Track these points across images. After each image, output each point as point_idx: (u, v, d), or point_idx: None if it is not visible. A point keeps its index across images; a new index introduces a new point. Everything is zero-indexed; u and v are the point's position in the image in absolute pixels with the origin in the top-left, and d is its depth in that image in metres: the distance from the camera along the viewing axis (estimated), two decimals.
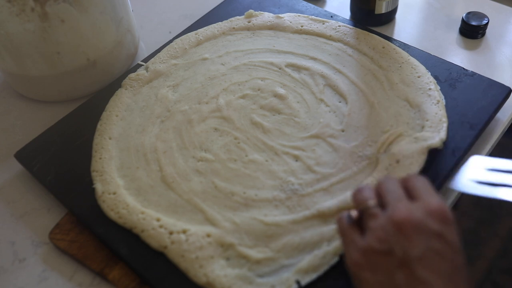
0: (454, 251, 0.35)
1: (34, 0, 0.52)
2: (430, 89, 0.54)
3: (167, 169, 0.51)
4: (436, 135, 0.49)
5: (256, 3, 0.69)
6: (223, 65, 0.60)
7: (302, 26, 0.63)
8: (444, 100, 0.53)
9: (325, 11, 0.67)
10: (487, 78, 0.56)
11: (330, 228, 0.44)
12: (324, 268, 0.42)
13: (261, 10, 0.67)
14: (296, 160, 0.50)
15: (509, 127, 0.58)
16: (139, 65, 0.62)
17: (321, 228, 0.45)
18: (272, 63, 0.60)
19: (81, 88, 0.62)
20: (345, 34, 0.62)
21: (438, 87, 0.54)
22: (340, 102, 0.55)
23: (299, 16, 0.65)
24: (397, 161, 0.48)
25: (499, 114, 0.55)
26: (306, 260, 0.43)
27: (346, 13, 0.70)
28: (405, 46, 0.60)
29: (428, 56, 0.59)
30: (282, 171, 0.49)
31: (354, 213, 0.40)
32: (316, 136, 0.52)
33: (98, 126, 0.56)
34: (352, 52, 0.60)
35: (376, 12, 0.66)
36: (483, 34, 0.66)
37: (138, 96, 0.59)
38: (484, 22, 0.64)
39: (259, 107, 0.55)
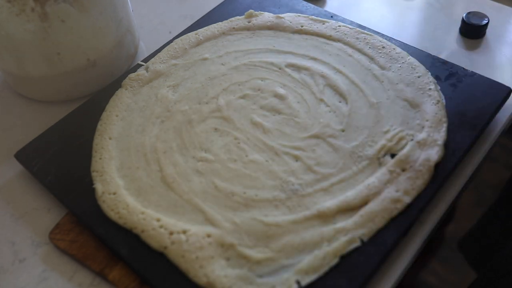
0: None
1: (34, 0, 0.53)
2: (430, 89, 0.54)
3: (167, 169, 0.51)
4: (436, 148, 0.49)
5: (256, 3, 0.69)
6: (223, 65, 0.60)
7: (302, 26, 0.63)
8: (444, 100, 0.53)
9: (325, 11, 0.67)
10: (487, 78, 0.56)
11: (330, 228, 0.44)
12: (324, 269, 0.42)
13: (261, 10, 0.67)
14: (296, 160, 0.50)
15: (509, 127, 0.58)
16: (139, 65, 0.62)
17: (321, 228, 0.45)
18: (272, 63, 0.60)
19: (81, 88, 0.62)
20: (345, 34, 0.62)
21: (438, 87, 0.54)
22: (340, 102, 0.55)
23: (299, 16, 0.65)
24: (403, 170, 0.48)
25: (499, 114, 0.55)
26: (306, 260, 0.43)
27: (346, 13, 0.70)
28: (405, 46, 0.60)
29: (428, 56, 0.59)
30: (282, 171, 0.49)
31: None
32: (316, 136, 0.52)
33: (98, 126, 0.56)
34: (352, 52, 0.60)
35: None
36: (483, 34, 0.66)
37: (138, 96, 0.59)
38: (484, 22, 0.64)
39: (259, 107, 0.55)
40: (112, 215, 0.48)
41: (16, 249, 0.50)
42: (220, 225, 0.46)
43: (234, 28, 0.65)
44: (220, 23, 0.66)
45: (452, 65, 0.58)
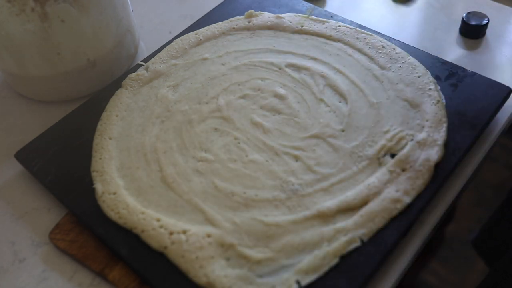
0: None
1: (34, 0, 0.53)
2: (430, 89, 0.54)
3: (167, 169, 0.51)
4: (436, 148, 0.49)
5: (256, 3, 0.69)
6: (223, 65, 0.60)
7: (302, 26, 0.63)
8: (444, 100, 0.53)
9: (325, 11, 0.67)
10: (487, 78, 0.56)
11: (330, 228, 0.44)
12: (325, 269, 0.42)
13: (261, 10, 0.67)
14: (296, 160, 0.50)
15: (509, 127, 0.58)
16: (139, 65, 0.62)
17: (321, 228, 0.45)
18: (272, 63, 0.60)
19: (81, 88, 0.62)
20: (345, 34, 0.62)
21: (438, 87, 0.54)
22: (340, 102, 0.55)
23: (299, 16, 0.65)
24: (403, 170, 0.48)
25: (499, 114, 0.55)
26: (306, 260, 0.43)
27: (346, 13, 0.70)
28: (405, 46, 0.60)
29: (428, 56, 0.59)
30: (282, 171, 0.49)
31: None
32: (316, 136, 0.52)
33: (98, 126, 0.56)
34: (352, 52, 0.60)
35: None
36: (483, 34, 0.66)
37: (138, 96, 0.59)
38: (484, 22, 0.64)
39: (259, 107, 0.55)
40: (112, 215, 0.48)
41: (16, 249, 0.50)
42: (220, 225, 0.46)
43: (234, 28, 0.65)
44: (220, 23, 0.66)
45: (452, 65, 0.58)
